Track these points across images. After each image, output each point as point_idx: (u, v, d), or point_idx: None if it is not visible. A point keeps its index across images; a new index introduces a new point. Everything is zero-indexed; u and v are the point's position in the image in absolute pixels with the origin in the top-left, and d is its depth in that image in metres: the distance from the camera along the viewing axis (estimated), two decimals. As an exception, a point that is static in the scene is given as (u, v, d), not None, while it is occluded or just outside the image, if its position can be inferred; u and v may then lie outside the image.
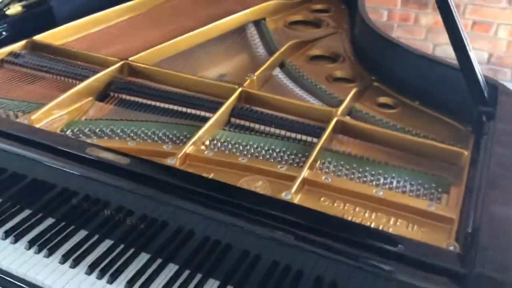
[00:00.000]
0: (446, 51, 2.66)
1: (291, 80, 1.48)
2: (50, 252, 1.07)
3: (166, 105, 1.33)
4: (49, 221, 1.16)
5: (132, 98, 1.36)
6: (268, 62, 1.47)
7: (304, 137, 1.21)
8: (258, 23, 1.82)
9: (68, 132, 1.20)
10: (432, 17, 2.68)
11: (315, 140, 1.18)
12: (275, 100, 1.29)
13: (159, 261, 1.05)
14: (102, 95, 1.38)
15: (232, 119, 1.27)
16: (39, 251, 1.08)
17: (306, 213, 0.92)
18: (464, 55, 1.13)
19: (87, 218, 1.10)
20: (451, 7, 1.09)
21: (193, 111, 1.31)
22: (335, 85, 1.48)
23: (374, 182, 1.06)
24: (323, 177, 1.04)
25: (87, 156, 1.04)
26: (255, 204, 0.92)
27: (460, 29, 1.11)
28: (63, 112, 1.30)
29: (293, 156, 1.13)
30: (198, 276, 1.02)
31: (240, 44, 1.73)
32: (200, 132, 1.15)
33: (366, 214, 0.99)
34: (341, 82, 1.52)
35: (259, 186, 1.04)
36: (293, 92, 1.42)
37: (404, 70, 1.43)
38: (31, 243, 1.09)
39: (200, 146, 1.15)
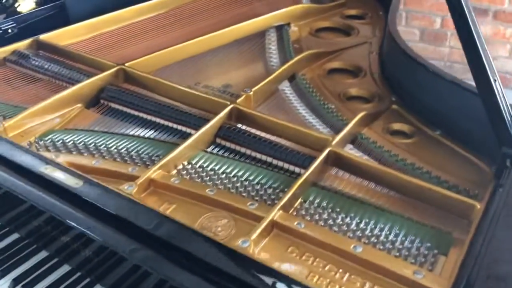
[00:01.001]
0: (505, 66, 2.37)
1: (298, 97, 1.32)
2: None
3: (153, 118, 1.22)
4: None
5: (120, 108, 1.26)
6: (273, 75, 1.32)
7: (292, 167, 1.06)
8: (280, 29, 1.67)
9: (41, 143, 1.12)
10: (491, 28, 2.39)
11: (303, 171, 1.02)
12: (267, 121, 1.15)
13: None
14: (94, 102, 1.30)
15: (218, 140, 1.14)
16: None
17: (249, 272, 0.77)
18: (486, 86, 0.92)
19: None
20: (471, 26, 0.90)
21: (179, 127, 1.19)
22: (348, 105, 1.30)
23: (357, 233, 0.89)
24: (296, 222, 0.89)
25: (41, 174, 0.96)
26: (197, 253, 0.78)
27: (482, 54, 0.91)
28: (46, 118, 1.22)
29: (271, 190, 0.98)
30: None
31: (256, 51, 1.58)
32: (174, 154, 1.03)
33: (337, 275, 0.82)
34: (355, 101, 1.34)
35: (222, 225, 0.91)
36: (295, 111, 1.26)
37: (429, 94, 1.23)
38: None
39: (170, 170, 1.03)
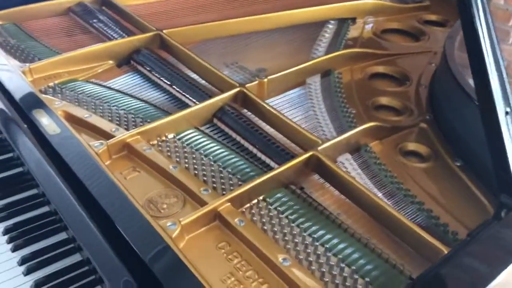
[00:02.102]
0: None
1: (321, 94, 1.23)
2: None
3: (168, 87, 1.22)
4: None
5: (144, 71, 1.28)
6: (298, 67, 1.24)
7: (273, 164, 0.99)
8: (342, 23, 1.57)
9: (56, 89, 1.17)
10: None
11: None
12: (267, 111, 1.08)
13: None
14: (125, 61, 1.33)
15: (215, 120, 1.11)
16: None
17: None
18: (493, 126, 0.77)
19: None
20: (483, 50, 0.75)
21: (186, 100, 1.17)
22: (372, 113, 1.18)
23: (298, 247, 0.81)
24: (237, 218, 0.83)
25: (31, 115, 1.01)
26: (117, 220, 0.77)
27: (492, 80, 0.76)
28: (75, 68, 1.28)
29: (235, 180, 0.93)
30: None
31: (307, 41, 1.50)
32: (158, 123, 1.02)
33: (254, 284, 0.75)
34: (384, 111, 1.21)
35: (169, 203, 0.88)
36: (307, 108, 1.17)
37: (464, 122, 1.07)
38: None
39: (151, 139, 1.02)
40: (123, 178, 0.93)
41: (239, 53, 1.42)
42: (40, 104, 1.04)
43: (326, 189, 0.95)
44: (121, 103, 1.14)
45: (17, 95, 1.08)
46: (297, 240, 0.82)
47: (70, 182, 0.87)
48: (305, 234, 0.83)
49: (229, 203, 0.85)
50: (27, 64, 1.21)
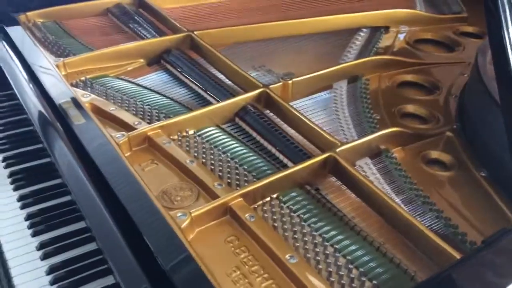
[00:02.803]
0: None
1: (347, 99, 1.22)
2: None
3: (195, 87, 1.24)
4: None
5: (173, 71, 1.31)
6: (324, 71, 1.23)
7: (290, 163, 0.99)
8: (375, 31, 1.55)
9: (87, 83, 1.21)
10: None
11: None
12: (288, 112, 1.08)
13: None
14: (156, 60, 1.36)
15: (237, 119, 1.11)
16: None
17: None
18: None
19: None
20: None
21: (210, 98, 1.19)
22: (396, 120, 1.16)
23: (307, 246, 0.80)
24: (248, 214, 0.83)
25: (59, 104, 1.05)
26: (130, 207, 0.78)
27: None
28: (107, 64, 1.32)
29: (250, 177, 0.93)
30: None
31: (336, 48, 1.49)
32: (179, 118, 1.04)
33: (258, 279, 0.75)
34: (409, 119, 1.19)
35: (183, 196, 0.89)
36: (330, 112, 1.17)
37: (491, 130, 1.03)
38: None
39: (171, 134, 1.03)
40: (141, 169, 0.95)
41: (268, 57, 1.43)
42: (69, 96, 1.08)
43: (342, 191, 0.94)
44: (147, 99, 1.16)
45: (49, 87, 1.12)
46: (306, 239, 0.81)
47: (91, 173, 0.89)
48: (315, 234, 0.82)
49: (242, 198, 0.85)
50: (61, 59, 1.25)
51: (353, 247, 0.80)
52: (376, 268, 0.77)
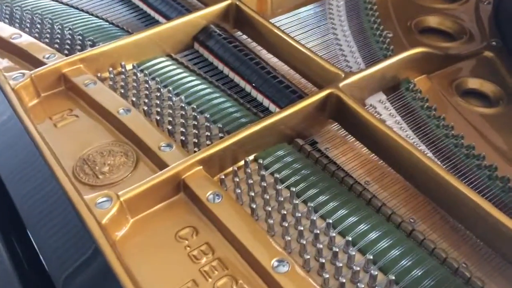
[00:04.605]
0: None
1: (346, 12, 0.89)
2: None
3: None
4: None
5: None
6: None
7: (273, 107, 0.68)
8: None
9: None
10: None
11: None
12: (269, 33, 0.76)
13: None
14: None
15: (196, 45, 0.79)
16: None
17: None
18: None
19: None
20: None
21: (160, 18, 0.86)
22: (417, 39, 0.85)
23: (303, 241, 0.51)
24: (210, 192, 0.54)
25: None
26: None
27: None
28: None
29: (214, 132, 0.63)
30: None
31: None
32: (110, 46, 0.72)
33: (226, 298, 0.47)
34: (433, 35, 0.88)
35: (114, 164, 0.59)
36: (325, 30, 0.85)
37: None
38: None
39: (101, 70, 0.72)
40: (52, 125, 0.64)
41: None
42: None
43: (350, 144, 0.65)
44: (72, 22, 0.83)
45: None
46: (302, 228, 0.52)
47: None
48: (314, 218, 0.53)
49: (201, 166, 0.56)
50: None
51: (374, 235, 0.52)
52: (412, 267, 0.49)
